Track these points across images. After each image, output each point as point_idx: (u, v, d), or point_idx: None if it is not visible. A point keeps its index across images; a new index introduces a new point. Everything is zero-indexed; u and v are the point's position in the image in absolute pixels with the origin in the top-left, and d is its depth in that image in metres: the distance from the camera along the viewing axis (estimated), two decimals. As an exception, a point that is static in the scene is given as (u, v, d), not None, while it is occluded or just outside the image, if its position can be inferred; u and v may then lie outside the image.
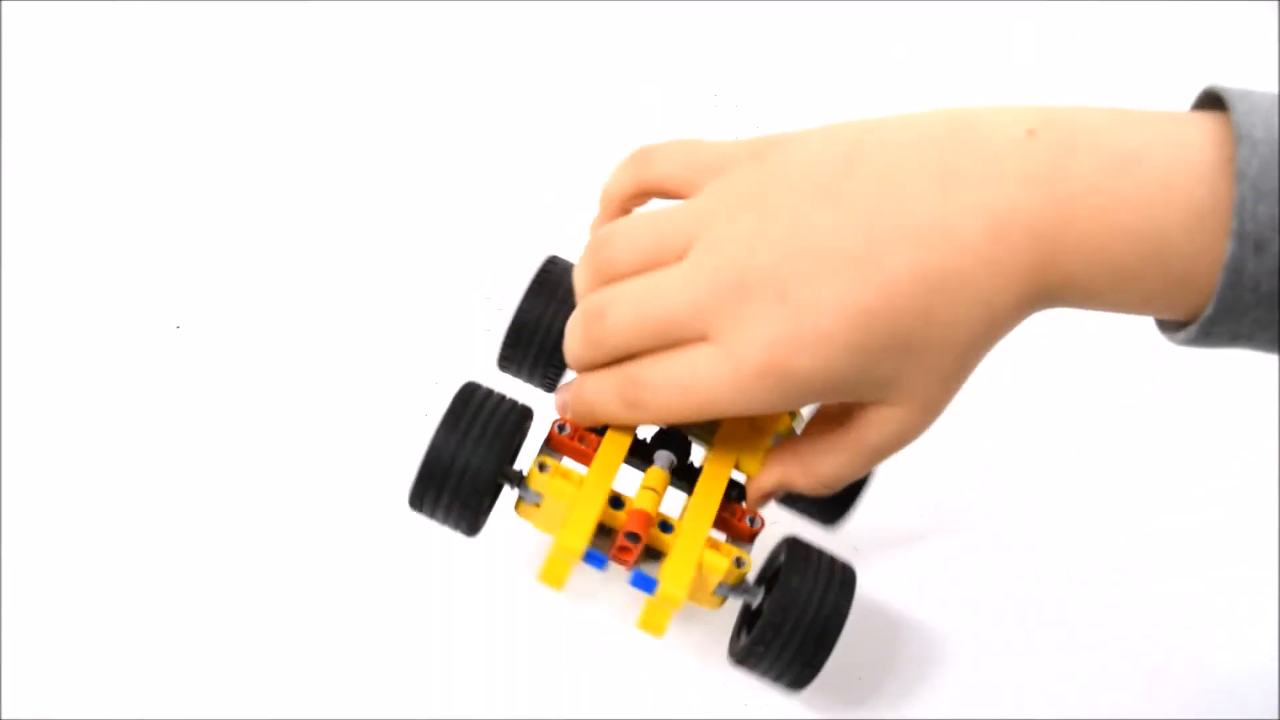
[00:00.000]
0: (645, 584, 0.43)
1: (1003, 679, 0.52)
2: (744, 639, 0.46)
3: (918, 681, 0.52)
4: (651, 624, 0.44)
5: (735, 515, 0.46)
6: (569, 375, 0.47)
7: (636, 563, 0.44)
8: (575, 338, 0.42)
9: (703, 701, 0.51)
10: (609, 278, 0.41)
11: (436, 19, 0.94)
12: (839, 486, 0.42)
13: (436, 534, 0.57)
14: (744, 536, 0.47)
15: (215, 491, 0.59)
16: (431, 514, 0.46)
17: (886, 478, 0.60)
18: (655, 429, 0.48)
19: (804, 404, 0.39)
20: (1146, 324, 0.40)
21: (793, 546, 0.46)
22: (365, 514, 0.58)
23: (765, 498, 0.45)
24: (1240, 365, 0.68)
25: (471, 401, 0.45)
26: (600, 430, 0.46)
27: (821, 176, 0.37)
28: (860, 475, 0.42)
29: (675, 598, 0.43)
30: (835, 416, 0.41)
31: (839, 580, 0.45)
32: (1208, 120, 0.36)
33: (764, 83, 0.90)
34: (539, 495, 0.44)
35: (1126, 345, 0.69)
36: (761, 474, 0.44)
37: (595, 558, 0.43)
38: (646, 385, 0.40)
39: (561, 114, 0.86)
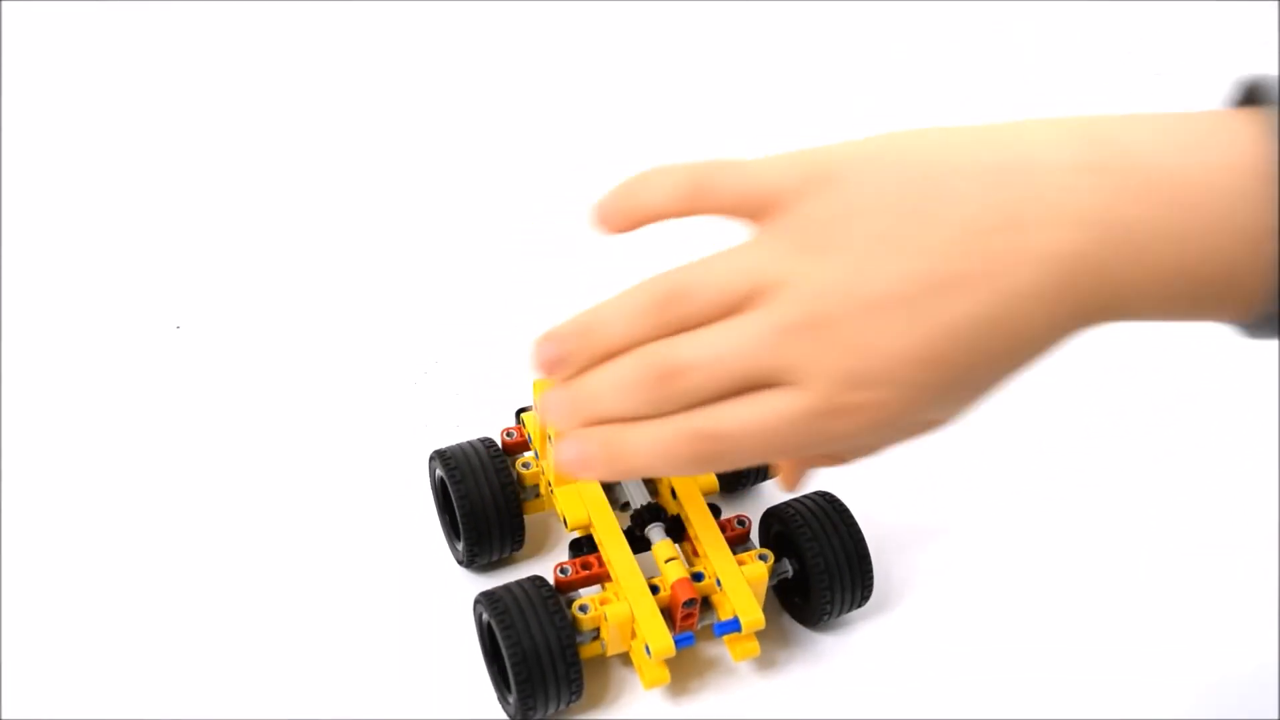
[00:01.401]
0: (728, 627, 0.49)
1: (1003, 680, 0.53)
2: (805, 603, 0.53)
3: (917, 683, 0.52)
4: (747, 651, 0.50)
5: (726, 529, 0.52)
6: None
7: (701, 619, 0.50)
8: (633, 394, 0.39)
9: (704, 703, 0.51)
10: (676, 329, 0.40)
11: (435, 19, 0.94)
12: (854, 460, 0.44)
13: (439, 532, 0.57)
14: (742, 538, 0.53)
15: (214, 490, 0.59)
16: (545, 708, 0.49)
17: (894, 481, 0.61)
18: (630, 514, 0.53)
19: (868, 437, 0.40)
20: (1150, 327, 0.40)
21: (777, 513, 0.53)
22: (363, 510, 0.58)
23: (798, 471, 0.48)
24: (1241, 365, 0.68)
25: (504, 602, 0.49)
26: (591, 546, 0.51)
27: (884, 221, 0.38)
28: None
29: (758, 621, 0.49)
30: None
31: (833, 508, 0.53)
32: (1251, 121, 0.37)
33: (765, 86, 0.90)
34: (590, 634, 0.49)
35: (1129, 347, 0.69)
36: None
37: (681, 639, 0.49)
38: (724, 437, 0.39)
39: (565, 127, 0.86)
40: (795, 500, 0.54)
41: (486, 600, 0.49)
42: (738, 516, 0.53)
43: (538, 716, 0.49)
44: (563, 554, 0.56)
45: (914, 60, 0.93)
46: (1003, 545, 0.58)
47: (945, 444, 0.63)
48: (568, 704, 0.49)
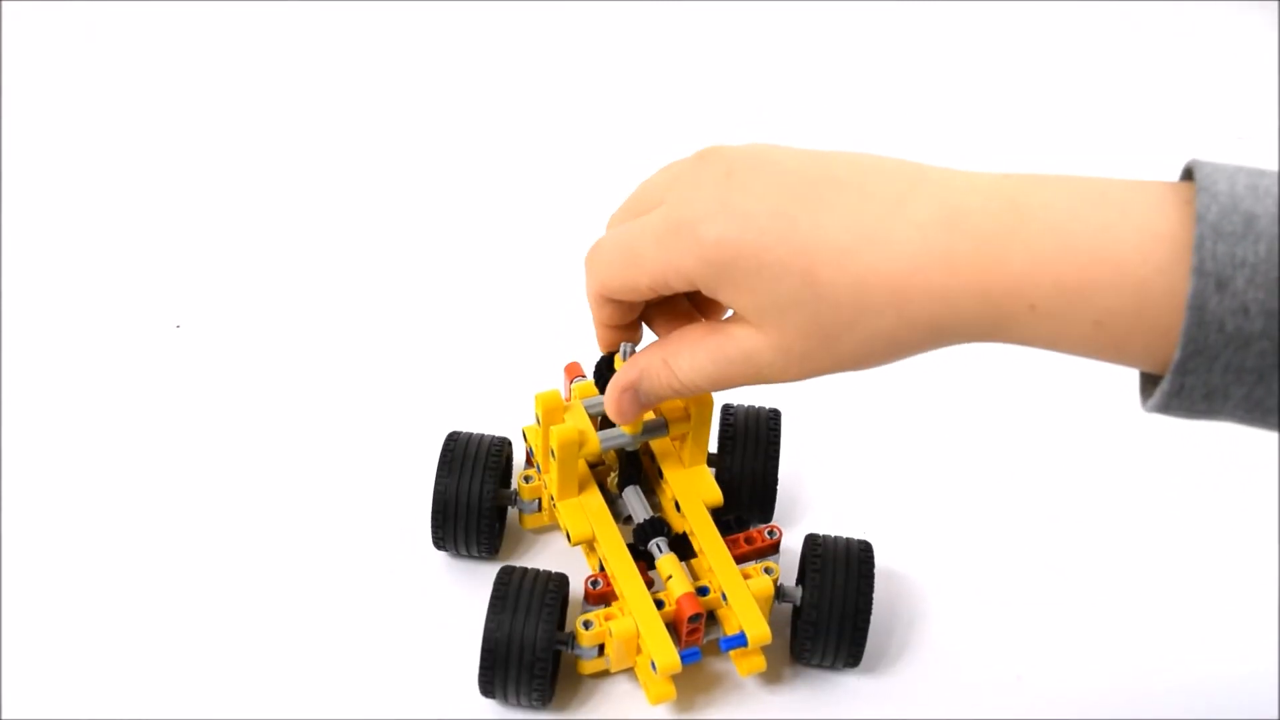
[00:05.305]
0: (734, 642, 0.48)
1: (1005, 680, 0.53)
2: (795, 638, 0.51)
3: (928, 699, 0.52)
4: (753, 666, 0.50)
5: (753, 541, 0.51)
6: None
7: (707, 634, 0.49)
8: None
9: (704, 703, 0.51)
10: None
11: (435, 20, 0.94)
12: (691, 388, 0.44)
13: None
14: (770, 550, 0.52)
15: (214, 489, 0.59)
16: (505, 697, 0.49)
17: (907, 488, 0.61)
18: (633, 529, 0.52)
19: (708, 271, 0.41)
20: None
21: (809, 543, 0.52)
22: (363, 510, 0.58)
23: (624, 389, 0.46)
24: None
25: (510, 583, 0.49)
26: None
27: (800, 178, 0.41)
28: (710, 387, 0.44)
29: (765, 635, 0.48)
30: (707, 328, 0.44)
31: (857, 560, 0.50)
32: (1174, 184, 0.38)
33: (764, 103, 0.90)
34: (595, 650, 0.49)
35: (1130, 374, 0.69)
36: (625, 366, 0.46)
37: (687, 655, 0.48)
38: (597, 247, 0.45)
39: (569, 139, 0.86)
40: (832, 537, 0.52)
41: (504, 570, 0.49)
42: (769, 527, 0.52)
43: (496, 699, 0.49)
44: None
45: (917, 63, 0.93)
46: (1011, 552, 0.58)
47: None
48: (529, 706, 0.49)
